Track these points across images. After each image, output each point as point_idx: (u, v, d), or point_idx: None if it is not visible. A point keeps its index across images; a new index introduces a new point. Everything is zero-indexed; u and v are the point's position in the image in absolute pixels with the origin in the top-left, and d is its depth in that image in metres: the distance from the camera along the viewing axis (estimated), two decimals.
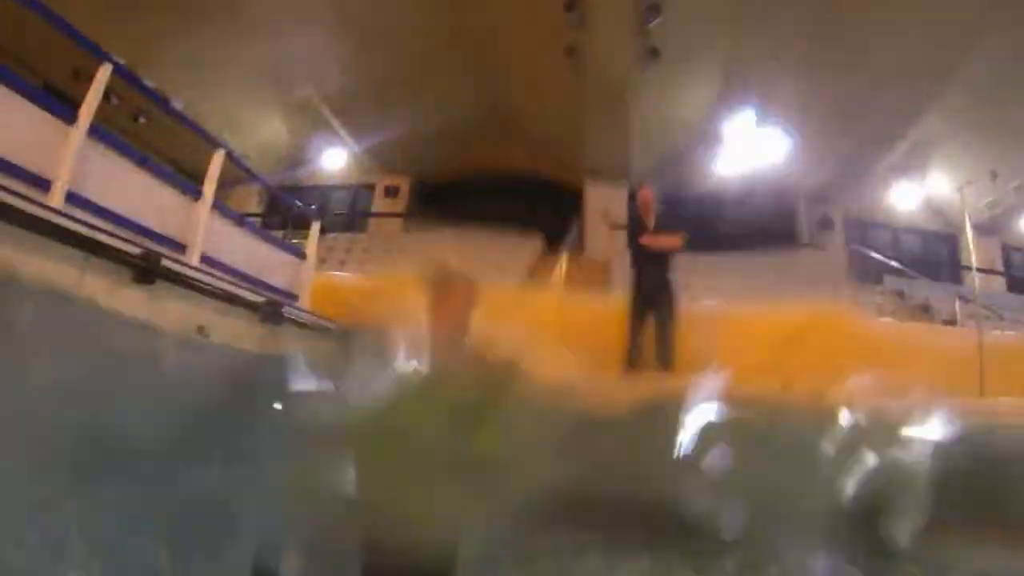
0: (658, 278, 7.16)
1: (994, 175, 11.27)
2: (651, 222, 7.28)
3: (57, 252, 2.23)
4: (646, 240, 7.13)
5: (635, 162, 16.77)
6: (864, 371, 9.19)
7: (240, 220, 5.30)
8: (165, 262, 2.47)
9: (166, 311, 2.55)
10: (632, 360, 7.03)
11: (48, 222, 2.10)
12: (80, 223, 2.20)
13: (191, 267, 2.90)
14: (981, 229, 16.11)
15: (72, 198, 3.25)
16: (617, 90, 13.30)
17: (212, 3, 12.76)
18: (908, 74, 12.95)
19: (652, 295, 7.10)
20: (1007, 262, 18.00)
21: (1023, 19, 11.54)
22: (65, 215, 2.48)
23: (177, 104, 9.76)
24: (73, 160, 3.37)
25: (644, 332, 7.10)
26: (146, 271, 2.38)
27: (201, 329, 2.71)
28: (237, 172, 14.13)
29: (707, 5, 12.28)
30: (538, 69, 14.07)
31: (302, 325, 3.51)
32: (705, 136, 16.85)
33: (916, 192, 17.58)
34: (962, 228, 17.46)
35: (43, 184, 2.99)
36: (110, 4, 11.64)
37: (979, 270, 14.68)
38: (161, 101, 4.09)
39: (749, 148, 17.30)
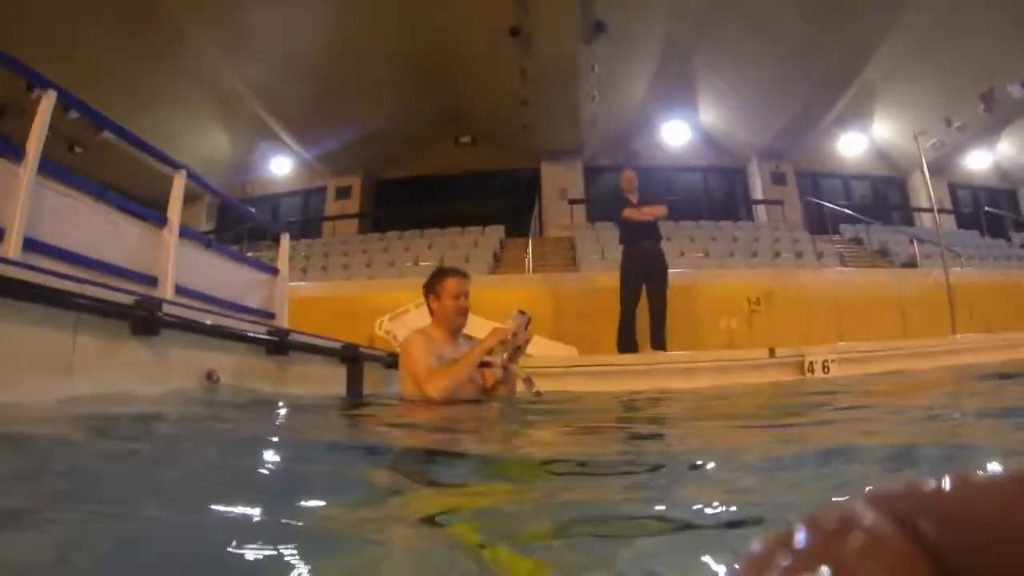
0: (650, 250, 7.09)
1: (948, 122, 11.43)
2: (635, 198, 7.21)
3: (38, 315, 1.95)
4: (630, 212, 7.04)
5: (588, 139, 16.72)
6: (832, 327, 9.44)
7: (207, 242, 4.99)
8: (167, 307, 2.20)
9: (172, 362, 2.29)
10: (627, 340, 6.91)
11: (30, 284, 1.81)
12: (65, 278, 1.92)
13: (187, 306, 2.64)
14: (928, 170, 16.42)
15: (32, 245, 2.96)
16: (565, 67, 13.12)
17: (145, 19, 12.11)
18: (850, 24, 13.03)
19: (647, 267, 7.02)
20: (955, 200, 18.48)
21: None
22: (35, 269, 2.21)
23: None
24: (27, 202, 3.07)
25: (637, 309, 7.01)
26: (147, 321, 2.12)
27: (211, 375, 2.45)
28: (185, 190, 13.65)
29: None
30: (486, 55, 13.83)
31: (309, 350, 3.27)
32: (654, 107, 16.89)
33: (863, 140, 17.91)
34: (911, 172, 18.02)
35: None
36: (39, 29, 11.01)
37: (931, 211, 15.11)
38: (116, 128, 3.74)
39: (694, 115, 17.47)
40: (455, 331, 3.31)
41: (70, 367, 2.00)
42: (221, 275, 4.92)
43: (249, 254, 7.65)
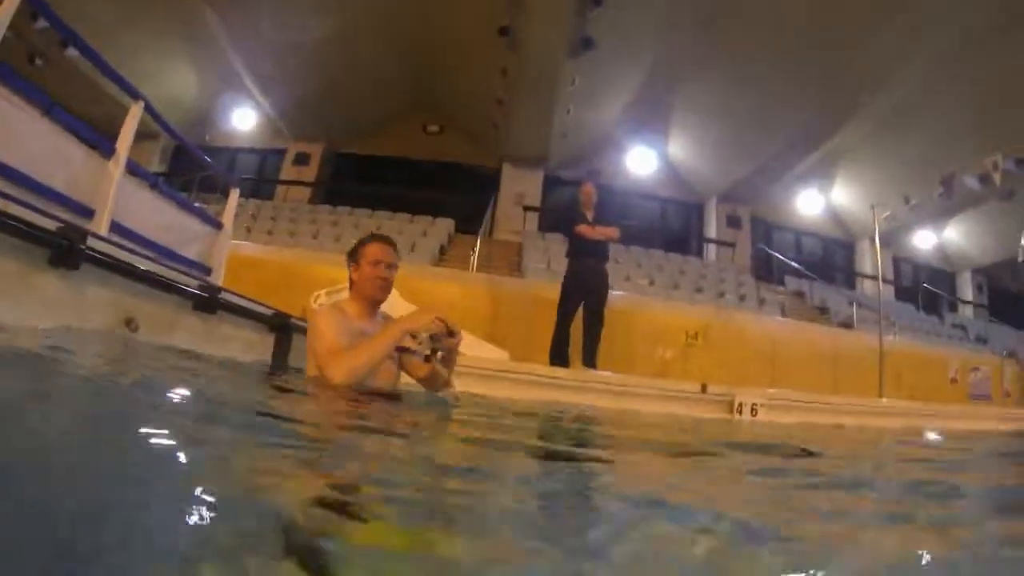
0: (596, 269, 7.10)
1: (906, 200, 11.89)
2: (591, 215, 7.20)
3: None
4: (584, 229, 7.03)
5: (554, 149, 16.74)
6: (762, 370, 9.66)
7: (154, 181, 4.78)
8: (93, 241, 2.04)
9: (89, 301, 2.14)
10: (560, 353, 6.91)
11: None
12: None
13: (117, 244, 2.48)
14: (875, 240, 17.09)
15: None
16: (546, 75, 13.11)
17: None
18: (829, 91, 13.42)
19: (590, 285, 7.03)
20: (897, 272, 19.27)
21: (932, 56, 12.22)
22: None
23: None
24: None
25: (572, 324, 7.02)
26: (68, 252, 1.97)
27: (130, 322, 2.30)
28: (139, 126, 13.09)
29: (647, 2, 12.24)
30: (470, 46, 13.75)
31: (238, 311, 3.11)
32: (625, 131, 17.05)
33: (820, 200, 18.45)
34: (859, 238, 18.70)
35: None
36: None
37: (874, 278, 15.73)
38: (82, 45, 3.53)
39: (662, 145, 17.71)
40: (372, 305, 2.97)
41: None
42: (163, 219, 4.71)
43: (197, 204, 7.36)
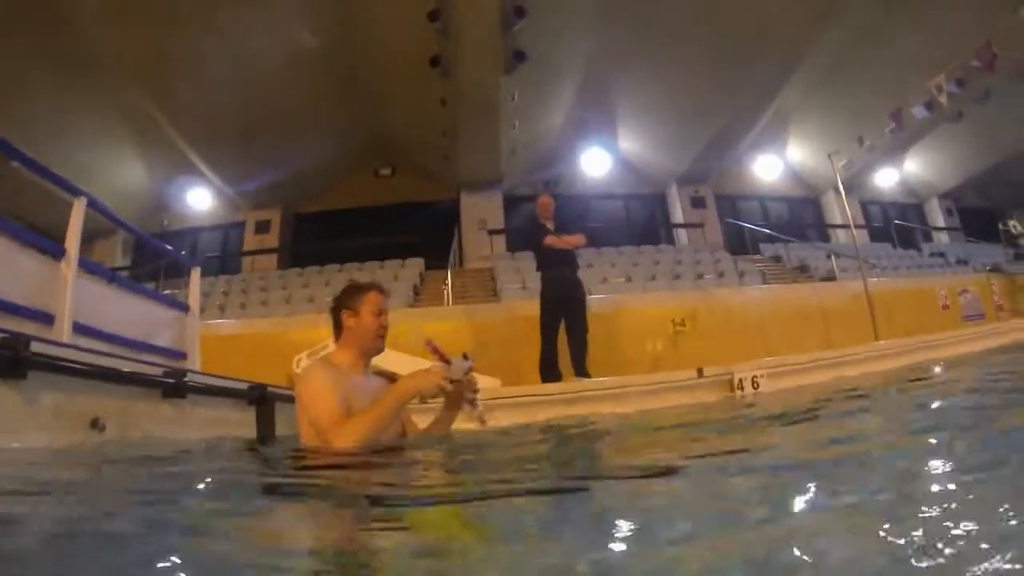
0: (570, 278, 7.07)
1: (861, 141, 12.07)
2: (551, 225, 7.18)
3: None
4: (551, 240, 7.00)
5: (507, 168, 16.80)
6: (755, 343, 9.63)
7: (111, 276, 4.69)
8: (36, 345, 1.97)
9: (45, 409, 2.06)
10: (550, 367, 6.85)
11: None
12: None
13: (68, 346, 2.40)
14: (840, 189, 17.28)
15: None
16: (485, 96, 13.13)
17: (58, 45, 11.52)
18: (760, 60, 13.61)
19: (565, 296, 6.98)
20: (866, 216, 19.48)
21: (863, 7, 12.48)
22: None
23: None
24: None
25: (558, 337, 6.96)
26: (13, 363, 1.90)
27: (96, 422, 2.22)
28: (96, 225, 12.87)
29: (571, 5, 12.34)
30: (406, 84, 13.75)
31: (211, 392, 3.03)
32: (574, 135, 17.16)
33: (778, 163, 18.69)
34: (823, 192, 18.93)
35: None
36: None
37: (845, 227, 15.91)
38: (3, 144, 3.46)
39: (614, 142, 17.85)
40: (368, 356, 2.79)
41: None
42: (126, 312, 4.61)
43: (167, 292, 7.26)
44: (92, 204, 4.08)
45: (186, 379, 2.77)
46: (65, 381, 2.09)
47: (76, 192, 3.93)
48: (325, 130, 15.70)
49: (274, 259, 17.34)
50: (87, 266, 4.10)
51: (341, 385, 2.49)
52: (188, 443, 2.49)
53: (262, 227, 17.91)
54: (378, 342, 2.78)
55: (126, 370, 2.47)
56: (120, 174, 15.46)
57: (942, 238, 19.64)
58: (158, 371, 2.71)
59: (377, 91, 14.74)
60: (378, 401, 2.41)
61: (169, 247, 7.96)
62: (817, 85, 15.11)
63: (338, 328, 2.82)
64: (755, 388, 5.17)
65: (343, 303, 2.81)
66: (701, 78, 14.18)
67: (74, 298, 3.65)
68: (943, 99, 10.47)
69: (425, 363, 2.70)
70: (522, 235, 12.59)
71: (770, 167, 18.80)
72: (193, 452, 2.43)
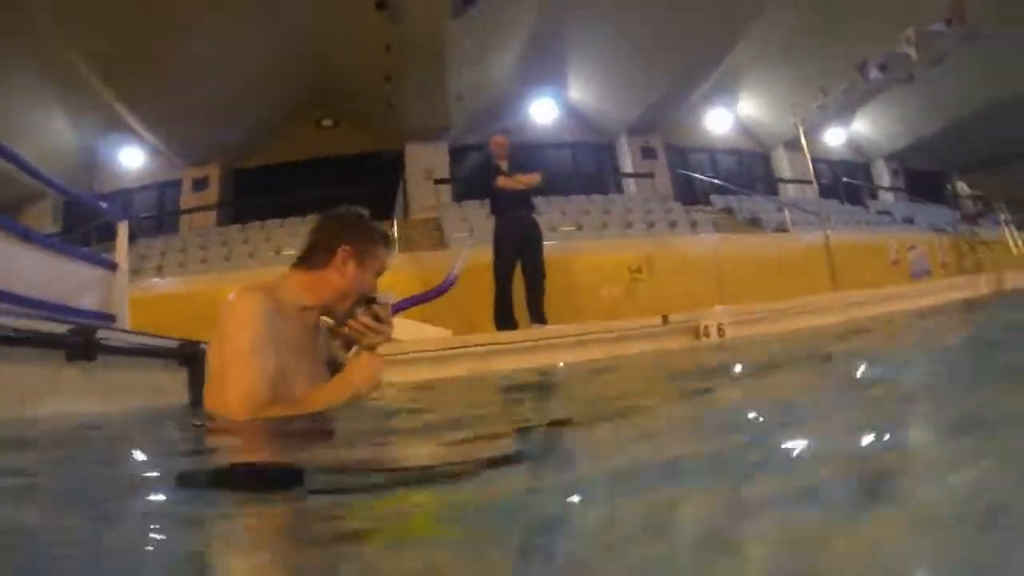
0: (524, 219, 6.80)
1: (824, 92, 12.04)
2: (506, 166, 6.88)
3: None
4: (504, 181, 6.70)
5: (454, 117, 16.38)
6: (711, 291, 9.60)
7: (26, 233, 4.23)
8: None
9: None
10: (505, 315, 6.61)
11: None
12: None
13: None
14: (790, 145, 17.44)
15: None
16: (432, 42, 12.67)
17: None
18: (717, 10, 13.42)
19: (520, 239, 6.71)
20: (815, 173, 19.65)
21: None
22: None
23: None
24: None
25: (513, 282, 6.71)
26: None
27: None
28: (24, 189, 12.04)
29: None
30: (349, 29, 13.15)
31: (129, 352, 2.67)
32: (522, 83, 16.82)
33: (729, 117, 18.69)
34: (773, 147, 19.15)
35: None
36: None
37: (795, 182, 16.10)
38: None
39: (563, 91, 17.58)
40: (326, 315, 2.15)
41: None
42: (44, 272, 4.17)
43: (106, 256, 6.73)
44: (12, 158, 3.64)
45: (97, 336, 2.40)
46: None
47: None
48: (265, 80, 14.89)
49: (213, 217, 16.63)
50: None
51: (280, 341, 1.92)
52: (93, 418, 2.13)
53: (200, 184, 17.12)
54: (349, 310, 2.12)
55: (14, 329, 2.07)
56: (48, 133, 14.44)
57: (888, 198, 19.95)
58: (61, 329, 2.33)
59: (320, 37, 14.04)
60: (307, 400, 1.92)
61: (101, 203, 7.43)
62: (770, 42, 14.99)
63: (320, 257, 2.14)
64: (721, 336, 5.05)
65: (346, 234, 2.18)
66: (655, 28, 13.93)
67: None
68: (913, 52, 10.38)
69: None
70: (476, 178, 12.25)
71: (721, 120, 18.75)
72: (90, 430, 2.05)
